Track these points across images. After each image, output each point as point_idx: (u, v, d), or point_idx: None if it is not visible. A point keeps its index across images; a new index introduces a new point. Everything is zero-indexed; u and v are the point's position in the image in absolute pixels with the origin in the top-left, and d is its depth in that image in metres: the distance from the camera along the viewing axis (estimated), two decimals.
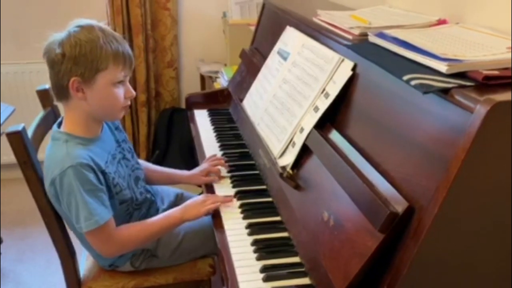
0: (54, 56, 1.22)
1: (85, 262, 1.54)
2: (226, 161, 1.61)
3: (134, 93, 1.34)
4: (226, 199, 1.39)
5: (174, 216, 1.38)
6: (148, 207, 1.51)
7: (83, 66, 1.21)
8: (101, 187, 1.27)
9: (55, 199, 1.30)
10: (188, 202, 1.41)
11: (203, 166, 1.60)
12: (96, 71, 1.23)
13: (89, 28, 1.24)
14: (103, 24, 1.29)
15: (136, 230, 1.35)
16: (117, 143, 1.45)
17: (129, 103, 1.34)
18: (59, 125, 1.34)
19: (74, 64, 1.21)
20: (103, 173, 1.29)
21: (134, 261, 1.46)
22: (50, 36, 1.25)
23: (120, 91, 1.29)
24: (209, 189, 1.52)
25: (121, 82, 1.29)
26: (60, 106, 1.62)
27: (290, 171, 1.28)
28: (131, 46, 2.75)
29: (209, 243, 1.48)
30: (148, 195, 1.52)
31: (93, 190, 1.24)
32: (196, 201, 1.39)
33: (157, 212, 1.55)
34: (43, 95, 1.59)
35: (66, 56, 1.21)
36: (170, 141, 3.07)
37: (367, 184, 0.96)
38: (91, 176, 1.24)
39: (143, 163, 1.62)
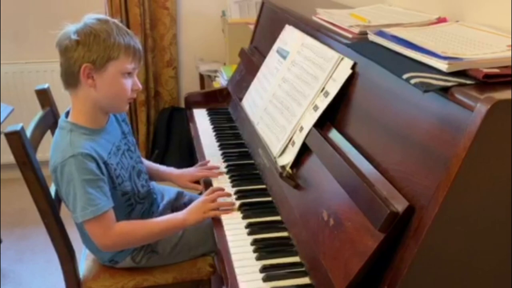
0: (68, 42, 1.27)
1: (85, 261, 1.54)
2: (224, 161, 1.62)
3: (140, 86, 1.39)
4: (227, 204, 1.37)
5: (176, 219, 1.38)
6: (151, 203, 1.53)
7: (96, 53, 1.26)
8: (102, 177, 1.29)
9: (57, 186, 1.33)
10: (191, 206, 1.39)
11: (193, 172, 1.60)
12: (107, 60, 1.27)
13: (104, 21, 1.30)
14: (117, 20, 1.34)
15: (136, 227, 1.36)
16: (123, 135, 1.47)
17: (135, 95, 1.39)
18: (67, 114, 1.37)
19: (87, 51, 1.26)
20: (105, 163, 1.31)
21: (135, 256, 1.46)
22: (65, 26, 1.30)
23: (128, 82, 1.33)
24: (208, 187, 1.51)
25: (129, 74, 1.33)
26: (61, 104, 1.64)
27: (290, 171, 1.27)
28: None
29: (209, 241, 1.48)
30: (152, 190, 1.54)
31: (94, 180, 1.26)
32: (198, 206, 1.37)
33: (158, 208, 1.56)
34: (42, 94, 1.59)
35: (81, 43, 1.26)
36: (169, 140, 3.07)
37: (367, 183, 0.96)
38: (93, 166, 1.26)
39: None
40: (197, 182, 1.61)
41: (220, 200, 1.39)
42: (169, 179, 1.67)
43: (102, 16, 1.33)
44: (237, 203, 1.39)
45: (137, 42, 1.34)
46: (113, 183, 1.34)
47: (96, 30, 1.26)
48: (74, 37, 1.26)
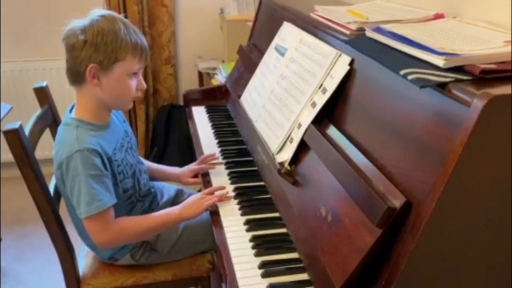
0: (75, 41, 1.25)
1: (84, 259, 1.54)
2: (223, 158, 1.63)
3: (145, 85, 1.38)
4: (224, 197, 1.39)
5: (172, 213, 1.39)
6: (151, 201, 1.53)
7: (103, 54, 1.25)
8: (106, 173, 1.29)
9: (60, 182, 1.32)
10: (187, 200, 1.42)
11: (193, 166, 1.63)
12: (114, 61, 1.27)
13: (112, 19, 1.28)
14: (123, 16, 1.32)
15: (134, 223, 1.36)
16: (126, 133, 1.48)
17: (139, 94, 1.38)
18: (71, 110, 1.37)
19: (94, 52, 1.25)
20: (109, 160, 1.32)
21: (134, 253, 1.46)
22: (71, 22, 1.28)
23: (133, 83, 1.33)
24: (207, 185, 1.52)
25: (135, 73, 1.32)
26: (60, 103, 1.64)
27: (288, 167, 1.28)
28: None
29: (208, 239, 1.48)
30: (152, 189, 1.55)
31: (99, 176, 1.26)
32: (194, 200, 1.39)
33: (158, 206, 1.57)
34: (40, 93, 1.59)
35: (88, 43, 1.24)
36: (168, 138, 3.07)
37: (365, 179, 0.96)
38: (98, 161, 1.26)
39: None
40: (196, 176, 1.64)
41: (218, 193, 1.40)
42: (173, 178, 1.68)
43: (108, 12, 1.31)
44: (236, 200, 1.39)
45: (143, 40, 1.33)
46: (115, 179, 1.35)
47: (103, 30, 1.25)
48: (81, 36, 1.24)
